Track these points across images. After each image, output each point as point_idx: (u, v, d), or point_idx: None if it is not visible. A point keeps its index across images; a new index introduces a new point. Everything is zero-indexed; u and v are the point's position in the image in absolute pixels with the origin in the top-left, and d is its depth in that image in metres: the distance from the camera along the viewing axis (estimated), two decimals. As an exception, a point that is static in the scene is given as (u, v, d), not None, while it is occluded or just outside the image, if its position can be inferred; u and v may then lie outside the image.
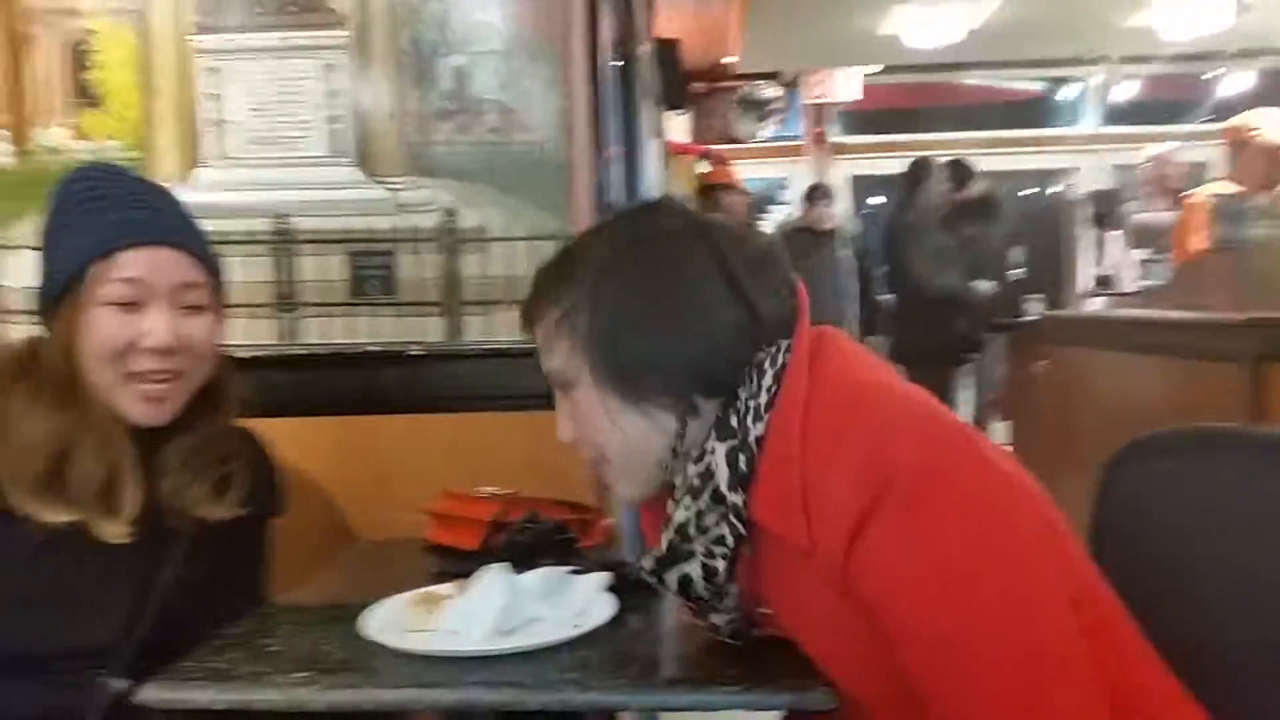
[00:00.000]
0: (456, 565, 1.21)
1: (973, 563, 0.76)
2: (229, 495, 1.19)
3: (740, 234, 0.94)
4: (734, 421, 0.86)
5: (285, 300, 1.76)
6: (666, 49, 4.68)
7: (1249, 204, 2.71)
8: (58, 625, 1.09)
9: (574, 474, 1.67)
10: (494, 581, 1.03)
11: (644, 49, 3.84)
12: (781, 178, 7.59)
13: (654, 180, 4.42)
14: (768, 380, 0.86)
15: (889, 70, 6.84)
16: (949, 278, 4.64)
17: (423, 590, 1.08)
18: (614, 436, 0.92)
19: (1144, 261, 4.16)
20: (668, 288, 0.89)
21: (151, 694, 0.85)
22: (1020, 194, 7.64)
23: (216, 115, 1.78)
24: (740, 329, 0.88)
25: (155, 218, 1.16)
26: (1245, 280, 2.34)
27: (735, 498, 0.85)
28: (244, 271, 1.75)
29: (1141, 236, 4.31)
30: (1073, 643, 0.76)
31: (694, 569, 0.89)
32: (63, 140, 1.79)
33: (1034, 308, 4.35)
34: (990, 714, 0.75)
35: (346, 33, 1.77)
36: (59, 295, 1.12)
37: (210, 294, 1.18)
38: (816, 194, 5.59)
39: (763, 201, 8.11)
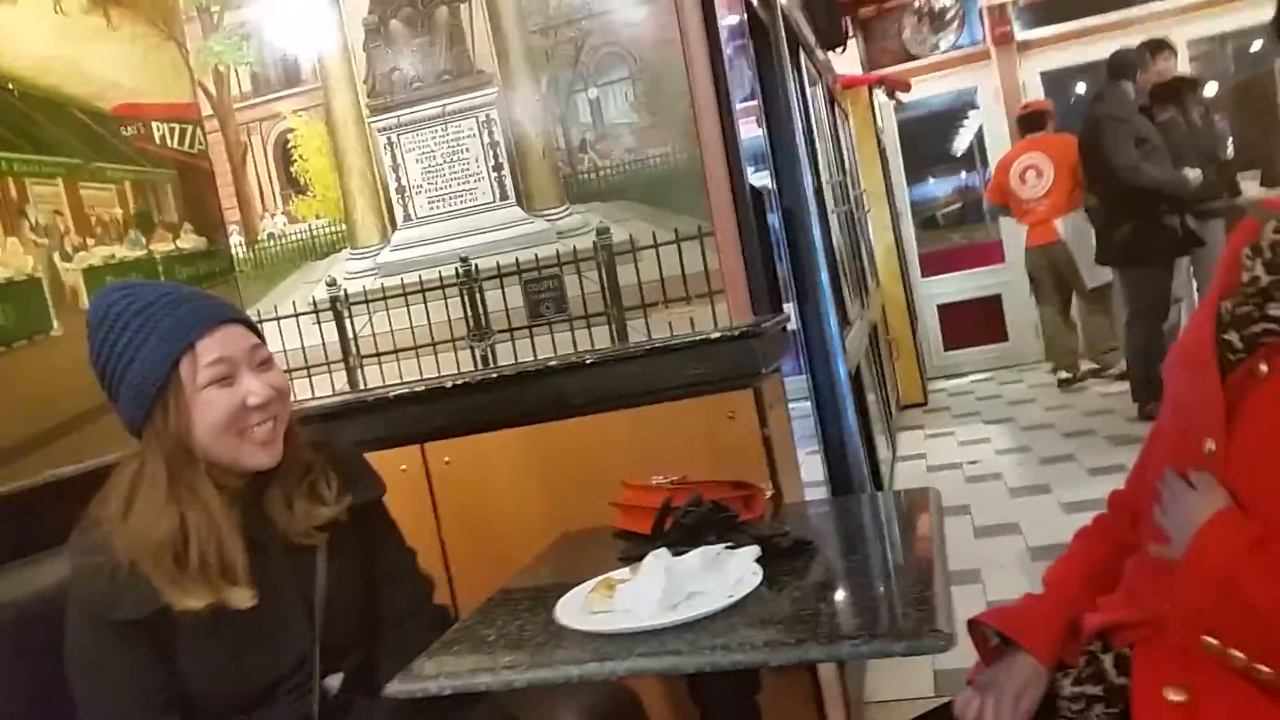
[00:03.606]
0: (639, 549, 1.42)
1: None
2: (327, 497, 1.36)
3: None
4: None
5: (477, 331, 2.04)
6: (814, -10, 4.67)
7: None
8: (269, 651, 1.29)
9: (742, 445, 1.86)
10: (656, 564, 1.24)
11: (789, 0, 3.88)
12: (970, 88, 7.30)
13: (820, 124, 4.45)
14: None
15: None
16: (1153, 167, 4.38)
17: (603, 576, 1.31)
18: None
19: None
20: None
21: (395, 688, 1.13)
22: (1232, 58, 6.99)
23: (400, 182, 2.08)
24: None
25: (206, 304, 1.32)
26: None
27: None
28: (441, 312, 2.05)
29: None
30: None
31: None
32: (282, 227, 2.15)
33: (1251, 187, 4.06)
34: None
35: (495, 89, 2.01)
36: (153, 401, 1.25)
37: (266, 347, 1.37)
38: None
39: (955, 114, 7.85)
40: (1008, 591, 3.07)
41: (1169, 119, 4.60)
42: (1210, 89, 5.15)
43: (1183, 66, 5.48)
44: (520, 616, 1.29)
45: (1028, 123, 5.91)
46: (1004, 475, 4.44)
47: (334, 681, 1.35)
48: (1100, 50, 5.31)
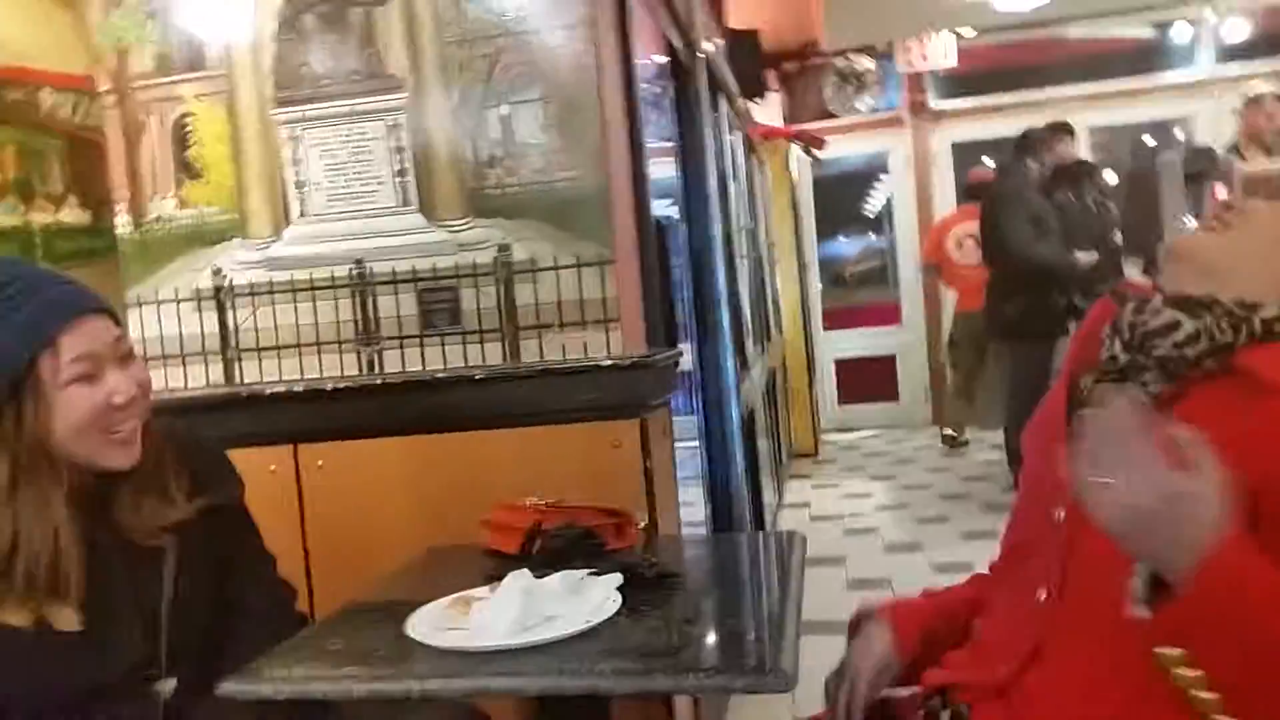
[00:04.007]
0: (503, 569, 1.40)
1: None
2: (177, 497, 1.28)
3: None
4: None
5: (365, 336, 2.00)
6: (741, 40, 4.78)
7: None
8: (96, 666, 1.21)
9: (623, 474, 1.86)
10: (515, 584, 1.22)
11: (713, 46, 3.96)
12: (884, 151, 7.54)
13: (735, 170, 4.54)
14: None
15: (989, 30, 6.68)
16: (1046, 247, 4.57)
17: (461, 593, 1.28)
18: None
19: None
20: None
21: (230, 687, 1.08)
22: (1129, 149, 7.39)
23: (299, 177, 2.03)
24: None
25: (68, 292, 1.22)
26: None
27: None
28: (329, 313, 2.00)
29: (1249, 188, 4.17)
30: None
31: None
32: (172, 210, 2.08)
33: (1133, 273, 4.27)
34: None
35: (405, 94, 1.99)
36: (2, 399, 1.15)
37: (128, 338, 1.29)
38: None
39: (867, 176, 8.08)
40: (874, 642, 3.12)
41: (1067, 200, 4.81)
42: (1108, 176, 5.41)
43: (1083, 152, 5.76)
44: (370, 628, 1.26)
45: (972, 192, 6.12)
46: (881, 531, 4.55)
47: (167, 686, 1.28)
48: (1008, 127, 5.54)
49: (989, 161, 6.60)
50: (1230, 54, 6.89)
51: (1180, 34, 7.09)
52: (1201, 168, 4.37)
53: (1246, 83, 5.29)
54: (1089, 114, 6.77)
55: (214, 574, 1.34)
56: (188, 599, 1.29)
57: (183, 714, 1.27)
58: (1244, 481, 0.84)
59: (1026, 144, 4.85)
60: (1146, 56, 7.20)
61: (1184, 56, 7.07)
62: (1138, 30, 7.16)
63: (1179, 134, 7.15)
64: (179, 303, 2.07)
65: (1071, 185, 4.82)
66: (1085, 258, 4.56)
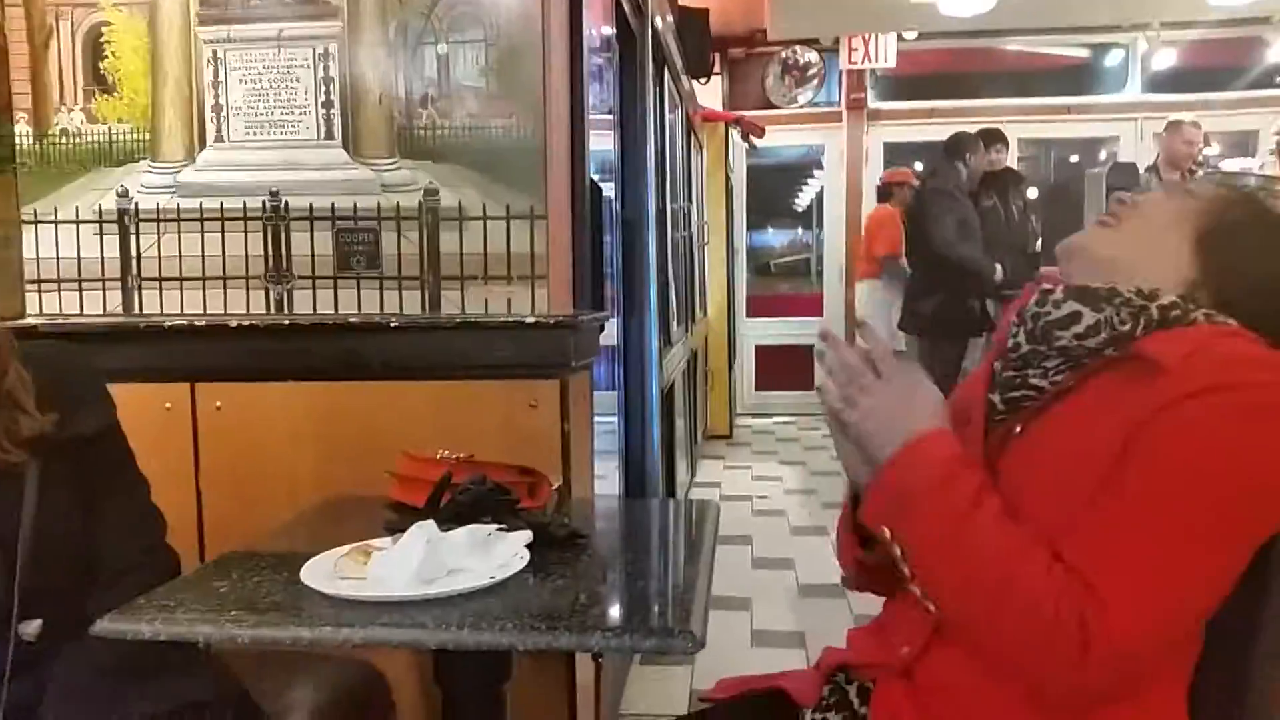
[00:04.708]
0: (408, 521, 1.33)
1: None
2: (28, 405, 1.19)
3: None
4: None
5: (277, 273, 1.90)
6: (691, 18, 4.73)
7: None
8: None
9: (540, 435, 1.81)
10: (417, 536, 1.17)
11: (663, 21, 3.91)
12: (819, 145, 7.58)
13: (671, 149, 4.49)
14: None
15: (930, 36, 6.76)
16: (968, 249, 4.64)
17: (361, 543, 1.22)
18: None
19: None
20: None
21: (104, 626, 1.00)
22: (1054, 163, 7.57)
23: (217, 100, 1.92)
24: None
25: None
26: None
27: None
28: (239, 246, 1.90)
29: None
30: None
31: None
32: (78, 124, 1.94)
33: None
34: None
35: (339, 23, 1.89)
36: None
37: None
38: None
39: (801, 169, 8.12)
40: (775, 622, 3.15)
41: (991, 206, 4.90)
42: (1031, 189, 5.53)
43: (1010, 162, 5.87)
44: (261, 574, 1.19)
45: (883, 192, 6.41)
46: (788, 513, 4.60)
47: (30, 628, 1.19)
48: (941, 132, 5.61)
49: (919, 165, 6.69)
50: (1157, 82, 7.09)
51: (1112, 58, 7.28)
52: (1124, 184, 4.48)
53: (1170, 110, 5.45)
54: (1018, 127, 6.90)
55: (80, 503, 1.24)
56: (50, 528, 1.19)
57: (44, 659, 1.18)
58: (1137, 451, 0.90)
59: (958, 147, 4.91)
60: (1079, 77, 7.38)
61: (1115, 80, 7.26)
62: (1073, 50, 7.33)
63: (1104, 153, 7.35)
64: (79, 224, 1.94)
65: (999, 192, 4.91)
66: (996, 270, 4.64)
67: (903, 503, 0.97)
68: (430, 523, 1.20)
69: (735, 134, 6.78)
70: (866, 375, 1.02)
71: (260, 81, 1.91)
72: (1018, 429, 1.04)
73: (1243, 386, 0.90)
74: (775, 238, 8.49)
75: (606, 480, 2.91)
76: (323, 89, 1.90)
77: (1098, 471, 0.93)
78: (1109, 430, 0.94)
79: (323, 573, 1.15)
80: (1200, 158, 4.93)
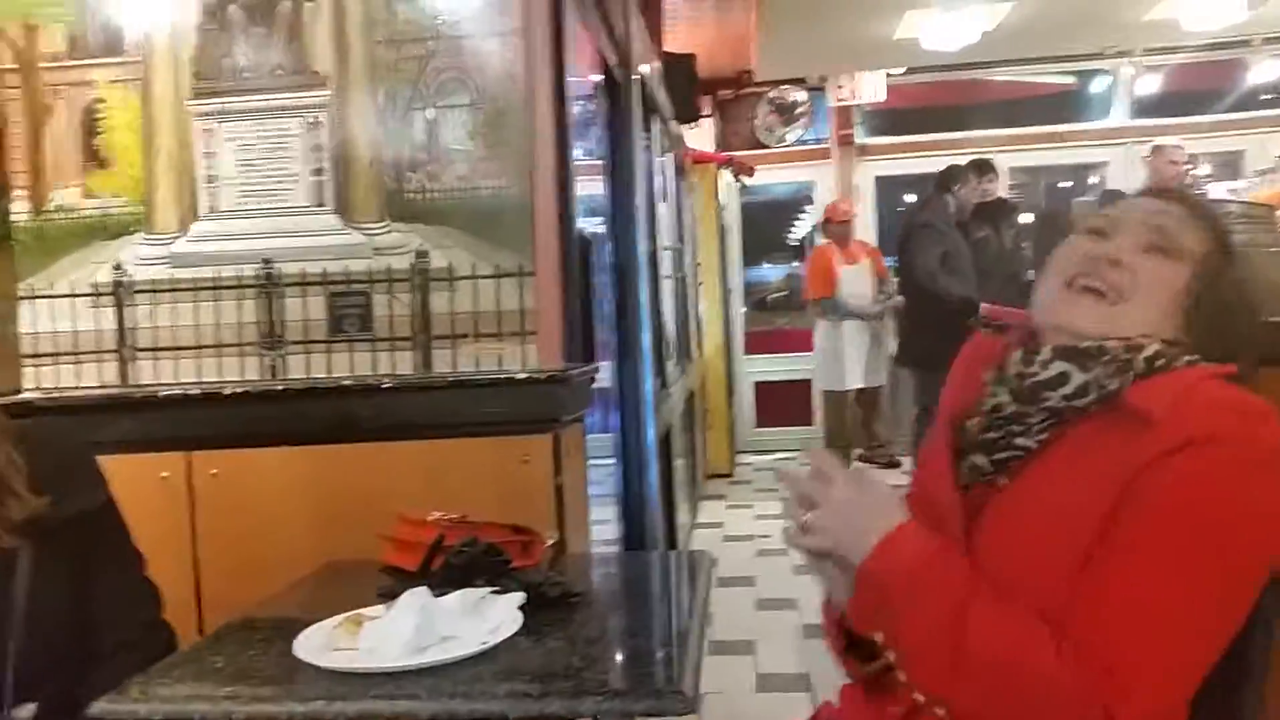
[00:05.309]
0: (402, 586, 1.35)
1: None
2: (25, 492, 1.20)
3: None
4: None
5: (270, 339, 1.93)
6: (677, 63, 4.81)
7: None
8: None
9: (534, 490, 1.83)
10: (412, 603, 1.18)
11: (649, 68, 3.97)
12: (810, 182, 7.65)
13: (665, 192, 4.55)
14: None
15: (917, 70, 6.85)
16: (958, 282, 4.66)
17: (353, 612, 1.23)
18: None
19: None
20: None
21: (100, 707, 1.02)
22: (1044, 191, 7.64)
23: (210, 172, 1.96)
24: None
25: None
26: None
27: None
28: (233, 314, 1.93)
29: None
30: None
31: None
32: (75, 200, 1.98)
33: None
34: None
35: (328, 91, 1.94)
36: None
37: None
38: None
39: (794, 205, 8.19)
40: (780, 665, 3.15)
41: (984, 236, 4.93)
42: (1024, 217, 5.58)
43: (1002, 192, 5.92)
44: (255, 646, 1.20)
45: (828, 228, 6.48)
46: (791, 552, 4.54)
47: (25, 712, 1.19)
48: (931, 164, 5.67)
49: (910, 198, 6.76)
50: (1143, 107, 7.17)
51: (1098, 85, 7.36)
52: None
53: (1156, 134, 5.51)
54: (1009, 155, 6.97)
55: (75, 583, 1.25)
56: (44, 610, 1.20)
57: None
58: (1132, 508, 0.90)
59: (946, 178, 4.95)
60: (1067, 103, 7.47)
61: (1101, 106, 7.34)
62: (1059, 79, 7.42)
63: (1093, 179, 7.42)
64: (74, 298, 1.98)
65: (991, 223, 4.94)
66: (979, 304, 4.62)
67: (889, 604, 0.95)
68: (423, 589, 1.22)
69: (727, 175, 6.85)
70: (817, 493, 1.01)
71: (252, 151, 1.96)
72: (1003, 480, 1.04)
73: (1233, 441, 0.90)
74: (770, 273, 8.54)
75: (606, 526, 2.92)
76: (313, 157, 1.94)
77: (1090, 526, 0.92)
78: (1097, 482, 0.94)
79: (316, 645, 1.16)
80: (1189, 180, 4.97)
